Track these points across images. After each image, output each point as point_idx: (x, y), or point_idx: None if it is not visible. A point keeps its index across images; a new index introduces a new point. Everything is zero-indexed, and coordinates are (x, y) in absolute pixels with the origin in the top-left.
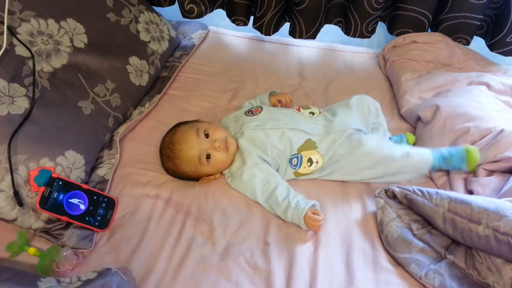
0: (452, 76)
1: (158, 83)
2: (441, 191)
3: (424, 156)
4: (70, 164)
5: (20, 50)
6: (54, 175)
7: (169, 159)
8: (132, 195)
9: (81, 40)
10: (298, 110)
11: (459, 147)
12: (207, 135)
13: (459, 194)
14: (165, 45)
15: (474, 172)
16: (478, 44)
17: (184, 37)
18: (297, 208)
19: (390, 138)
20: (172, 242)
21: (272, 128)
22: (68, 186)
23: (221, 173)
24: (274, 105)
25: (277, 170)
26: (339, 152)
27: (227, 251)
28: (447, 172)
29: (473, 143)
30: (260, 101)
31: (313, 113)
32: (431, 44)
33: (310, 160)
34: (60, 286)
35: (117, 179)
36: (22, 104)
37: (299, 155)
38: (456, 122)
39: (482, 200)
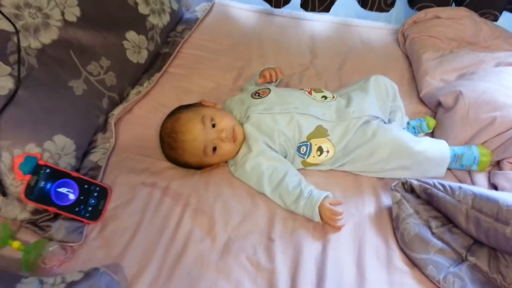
0: (478, 57)
1: (158, 61)
2: (464, 186)
3: (443, 154)
4: (59, 150)
5: (4, 24)
6: (41, 162)
7: (171, 148)
8: (126, 184)
9: (73, 13)
10: (310, 93)
11: (472, 147)
12: (213, 125)
13: (485, 189)
14: (166, 18)
15: (498, 166)
16: (507, 20)
17: (187, 10)
18: (310, 197)
19: (408, 123)
20: (168, 236)
21: (280, 113)
22: (56, 174)
23: (226, 161)
24: (261, 82)
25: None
26: (352, 142)
27: (228, 247)
28: None
29: (498, 135)
30: (254, 82)
31: (325, 97)
32: (456, 20)
33: (320, 149)
34: None
35: (111, 165)
36: (5, 84)
37: (308, 143)
38: (481, 111)
39: None
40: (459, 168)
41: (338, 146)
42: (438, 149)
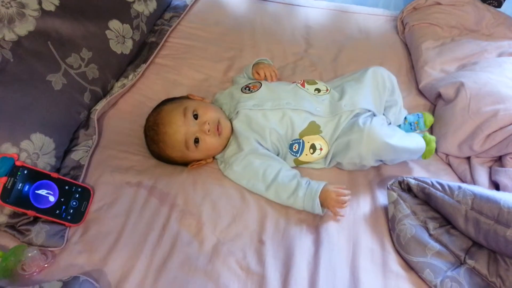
0: (480, 46)
1: (144, 51)
2: (464, 186)
3: (418, 145)
4: (37, 149)
5: None
6: (17, 163)
7: (153, 142)
8: (110, 183)
9: (51, 1)
10: (303, 85)
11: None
12: (196, 116)
13: (485, 189)
14: (152, 5)
15: (500, 162)
16: (511, 6)
17: None
18: (309, 187)
19: (405, 118)
20: (154, 239)
21: (272, 109)
22: (34, 176)
23: (214, 157)
24: (256, 78)
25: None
26: (341, 136)
27: (216, 251)
28: (468, 160)
29: (501, 129)
30: (246, 74)
31: (319, 90)
32: (457, 6)
33: (313, 147)
34: None
35: (94, 164)
36: None
37: (300, 141)
38: (483, 103)
39: None
40: (408, 130)
41: (331, 142)
42: (415, 142)
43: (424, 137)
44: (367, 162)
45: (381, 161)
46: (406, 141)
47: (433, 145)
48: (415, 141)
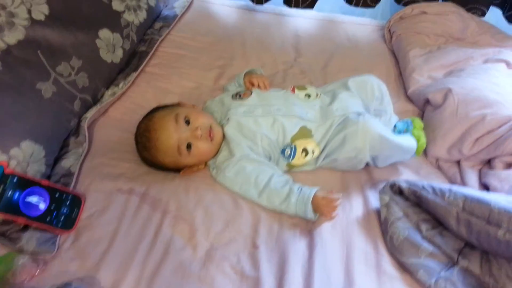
0: (466, 53)
1: (134, 60)
2: (454, 188)
3: (410, 142)
4: (27, 157)
5: None
6: (7, 171)
7: (145, 148)
8: (101, 190)
9: (40, 10)
10: (293, 91)
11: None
12: (187, 122)
13: (476, 191)
14: (142, 15)
15: (489, 164)
16: (494, 15)
17: (165, 6)
18: (301, 193)
19: (395, 126)
20: (146, 246)
21: (263, 116)
22: (24, 183)
23: (206, 163)
24: (247, 88)
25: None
26: (333, 135)
27: (210, 256)
28: (458, 163)
29: (489, 133)
30: (238, 83)
31: (309, 96)
32: (443, 15)
33: (305, 150)
34: None
35: (85, 171)
36: None
37: (292, 145)
38: (471, 108)
39: (504, 200)
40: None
41: (322, 143)
42: (406, 140)
43: (413, 134)
44: (364, 155)
45: (374, 162)
46: (399, 138)
47: (423, 140)
48: (406, 140)
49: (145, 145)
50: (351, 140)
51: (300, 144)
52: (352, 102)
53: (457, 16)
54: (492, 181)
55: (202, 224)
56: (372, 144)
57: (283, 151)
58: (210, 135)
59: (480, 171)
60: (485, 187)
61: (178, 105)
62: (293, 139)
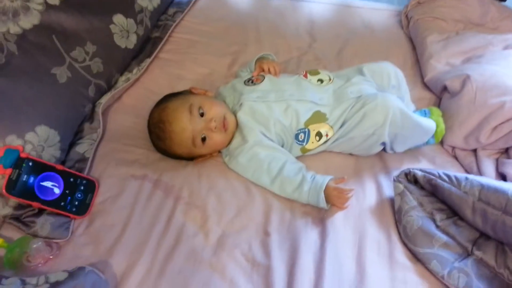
0: (486, 39)
1: (148, 46)
2: (471, 177)
3: (429, 123)
4: (42, 142)
5: None
6: (22, 155)
7: (159, 139)
8: (115, 176)
9: None
10: (305, 76)
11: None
12: (202, 114)
13: (493, 180)
14: (156, 1)
15: (507, 153)
16: None
17: None
18: (314, 182)
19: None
20: (159, 231)
21: (276, 101)
22: (39, 167)
23: (219, 151)
24: (257, 73)
25: (282, 147)
26: (351, 114)
27: (222, 243)
28: (474, 152)
29: (508, 121)
30: (250, 69)
31: (322, 81)
32: (462, 0)
33: (319, 134)
34: None
35: (99, 157)
36: None
37: (306, 130)
38: (489, 95)
39: None
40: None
41: (336, 126)
42: (426, 121)
43: (432, 119)
44: (383, 130)
45: (391, 144)
46: (419, 117)
47: (442, 126)
48: (426, 120)
49: (159, 136)
50: (371, 115)
51: (313, 128)
52: (367, 85)
53: (476, 1)
54: (509, 170)
55: (214, 211)
56: (392, 119)
57: (296, 136)
58: (224, 126)
59: (497, 160)
60: (502, 176)
61: (189, 92)
62: (307, 123)
